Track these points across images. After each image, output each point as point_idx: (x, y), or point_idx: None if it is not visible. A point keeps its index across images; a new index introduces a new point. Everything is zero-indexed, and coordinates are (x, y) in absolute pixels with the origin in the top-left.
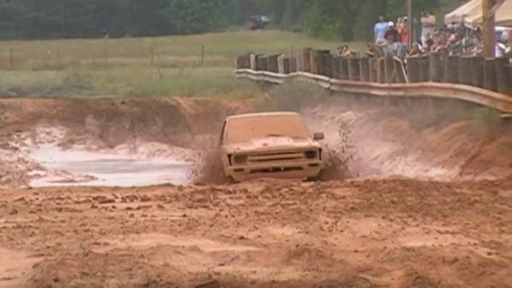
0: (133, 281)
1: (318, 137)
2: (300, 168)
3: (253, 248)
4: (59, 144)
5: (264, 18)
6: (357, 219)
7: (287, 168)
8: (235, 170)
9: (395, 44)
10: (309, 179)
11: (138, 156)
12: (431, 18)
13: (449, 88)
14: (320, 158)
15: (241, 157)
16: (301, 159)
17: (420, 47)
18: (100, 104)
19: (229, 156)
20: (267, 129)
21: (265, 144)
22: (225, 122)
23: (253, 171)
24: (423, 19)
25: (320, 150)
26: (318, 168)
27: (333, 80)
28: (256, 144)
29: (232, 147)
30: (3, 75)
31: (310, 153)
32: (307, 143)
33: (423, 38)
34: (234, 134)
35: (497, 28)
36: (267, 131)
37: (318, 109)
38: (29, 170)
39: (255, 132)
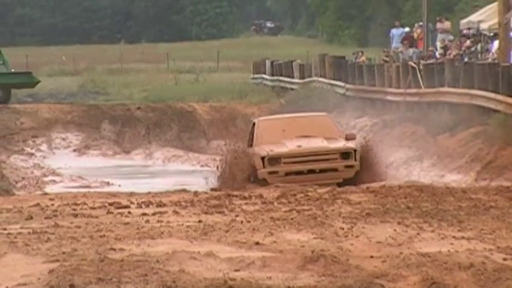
0: (149, 286)
1: (350, 137)
2: (335, 170)
3: (269, 254)
4: (74, 150)
5: (269, 24)
6: (373, 225)
7: (322, 170)
8: (270, 173)
9: (411, 50)
10: (344, 181)
11: (153, 161)
12: (446, 24)
13: (465, 94)
14: (356, 160)
15: (275, 159)
16: (337, 160)
17: (436, 53)
18: (115, 110)
19: (262, 158)
20: (298, 130)
21: (299, 146)
22: (254, 123)
23: (287, 173)
24: (438, 25)
25: (355, 151)
26: (353, 170)
27: (348, 86)
28: (290, 146)
29: (265, 150)
30: None
31: (345, 154)
32: (342, 144)
33: (438, 44)
34: (264, 136)
35: None
36: (298, 132)
37: (333, 114)
38: (45, 175)
39: (286, 134)
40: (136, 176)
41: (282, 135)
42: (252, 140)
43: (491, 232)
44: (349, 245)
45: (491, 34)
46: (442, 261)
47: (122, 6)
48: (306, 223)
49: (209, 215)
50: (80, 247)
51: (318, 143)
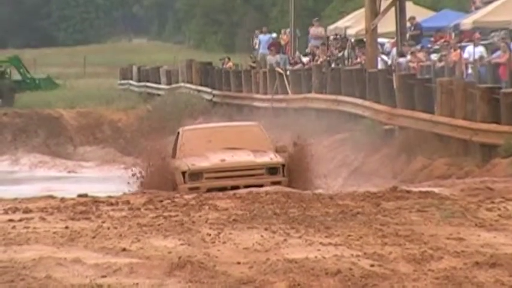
0: None
1: (280, 150)
2: (261, 186)
3: (136, 260)
4: None
5: None
6: (240, 231)
7: (247, 187)
8: (190, 189)
9: (278, 56)
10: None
11: (20, 167)
12: (320, 30)
13: (332, 100)
14: (284, 175)
15: (196, 174)
16: (263, 176)
17: (303, 59)
18: None
19: (183, 173)
20: (224, 141)
21: (222, 160)
22: (178, 133)
23: (209, 190)
24: (312, 30)
25: (283, 166)
26: (281, 186)
27: (215, 92)
28: (213, 160)
29: (187, 164)
30: None
31: (272, 169)
32: (269, 158)
33: (308, 50)
34: (187, 148)
35: (380, 40)
36: (225, 144)
37: (200, 121)
38: None
39: (211, 146)
40: (2, 182)
41: (207, 146)
42: (176, 152)
43: (359, 238)
44: (216, 251)
45: (358, 40)
46: (309, 267)
47: None
48: (172, 229)
49: (76, 221)
50: None
51: (243, 157)
